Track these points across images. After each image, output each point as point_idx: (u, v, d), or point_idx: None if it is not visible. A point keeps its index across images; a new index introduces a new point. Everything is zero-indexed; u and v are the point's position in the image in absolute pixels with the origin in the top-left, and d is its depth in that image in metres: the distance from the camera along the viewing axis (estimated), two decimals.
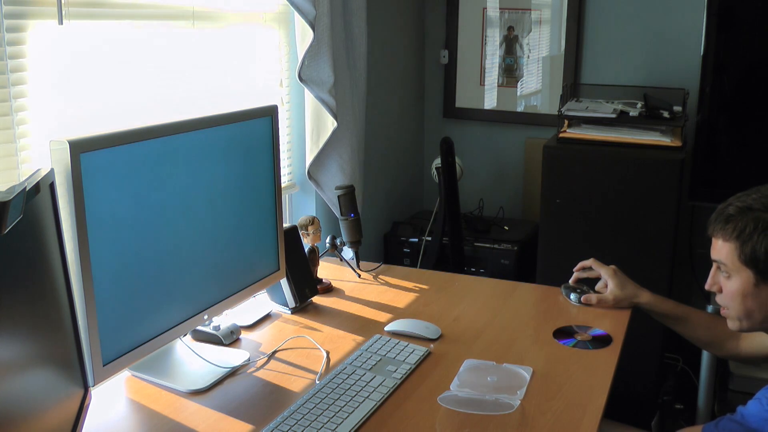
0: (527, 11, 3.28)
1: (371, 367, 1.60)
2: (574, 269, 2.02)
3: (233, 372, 1.61)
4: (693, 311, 1.89)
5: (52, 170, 1.22)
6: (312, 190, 2.60)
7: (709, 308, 2.62)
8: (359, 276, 2.19)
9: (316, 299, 2.02)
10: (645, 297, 1.90)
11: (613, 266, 1.95)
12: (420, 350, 1.68)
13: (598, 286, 1.98)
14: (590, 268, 1.99)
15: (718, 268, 1.58)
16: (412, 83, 3.44)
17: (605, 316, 1.88)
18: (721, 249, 1.54)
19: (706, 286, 1.63)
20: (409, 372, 1.59)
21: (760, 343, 1.76)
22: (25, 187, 1.01)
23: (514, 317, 1.93)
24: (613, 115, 2.72)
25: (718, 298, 1.62)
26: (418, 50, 3.45)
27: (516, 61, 3.34)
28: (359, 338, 1.78)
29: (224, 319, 1.79)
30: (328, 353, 1.70)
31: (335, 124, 2.42)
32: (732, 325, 1.61)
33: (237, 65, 2.22)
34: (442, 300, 2.02)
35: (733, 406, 2.53)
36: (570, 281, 2.01)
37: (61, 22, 1.58)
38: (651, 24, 3.09)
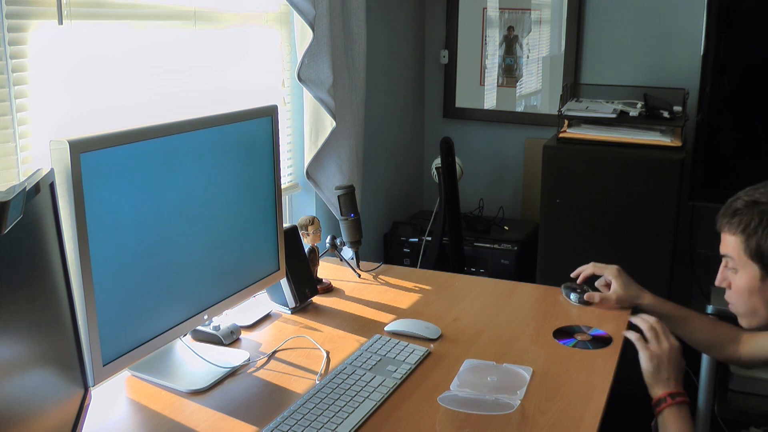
0: (527, 11, 3.28)
1: (371, 367, 1.60)
2: (573, 274, 2.00)
3: (233, 372, 1.61)
4: (694, 314, 1.88)
5: (52, 170, 1.22)
6: (312, 190, 2.60)
7: (709, 308, 2.62)
8: (359, 276, 2.19)
9: (316, 299, 2.02)
10: (647, 299, 1.89)
11: (616, 266, 1.94)
12: (420, 350, 1.68)
13: (598, 284, 1.97)
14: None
15: (727, 263, 1.57)
16: (412, 83, 3.44)
17: (605, 316, 1.88)
18: (728, 243, 1.54)
19: (716, 282, 1.62)
20: (409, 372, 1.59)
21: (761, 348, 1.75)
22: (25, 187, 1.01)
23: (514, 317, 1.93)
24: (613, 115, 2.72)
25: (727, 295, 1.61)
26: (418, 50, 3.45)
27: (516, 61, 3.34)
28: (359, 338, 1.78)
29: (224, 319, 1.79)
30: (328, 353, 1.70)
31: (334, 124, 2.42)
32: (741, 322, 1.60)
33: (238, 65, 2.22)
34: (442, 300, 2.02)
35: (734, 406, 2.53)
36: (578, 281, 2.00)
37: (61, 22, 1.58)
38: (651, 24, 3.09)
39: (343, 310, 1.96)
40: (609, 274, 1.93)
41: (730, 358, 1.85)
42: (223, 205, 1.64)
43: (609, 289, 1.94)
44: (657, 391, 1.59)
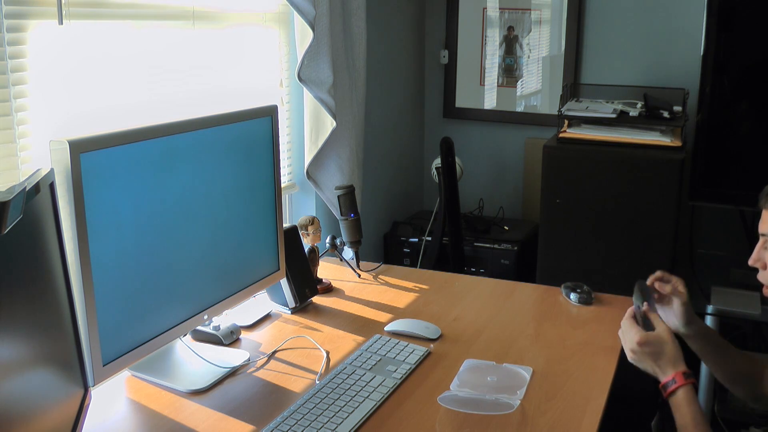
0: (527, 11, 3.28)
1: (371, 367, 1.60)
2: (649, 282, 1.66)
3: (233, 372, 1.61)
4: (731, 345, 1.67)
5: (52, 170, 1.22)
6: (312, 190, 2.60)
7: (710, 308, 2.62)
8: (359, 276, 2.19)
9: (316, 299, 2.02)
10: (694, 330, 1.63)
11: (687, 294, 1.63)
12: (420, 350, 1.68)
13: (659, 286, 1.64)
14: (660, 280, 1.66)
15: (765, 242, 1.49)
16: (412, 83, 3.44)
17: (605, 317, 1.88)
18: None
19: (750, 262, 1.52)
20: (409, 372, 1.59)
21: None
22: (25, 187, 1.01)
23: (514, 317, 1.93)
24: (613, 115, 2.72)
25: (761, 275, 1.52)
26: (418, 50, 3.45)
27: (516, 61, 3.34)
28: (359, 338, 1.78)
29: (224, 319, 1.79)
30: (328, 353, 1.70)
31: (334, 124, 2.42)
32: None
33: (237, 65, 2.22)
34: (442, 300, 2.02)
35: (733, 406, 2.53)
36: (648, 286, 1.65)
37: (61, 22, 1.58)
38: (651, 24, 3.09)
39: (343, 310, 1.96)
40: (678, 299, 1.62)
41: (762, 392, 1.63)
42: (222, 205, 1.64)
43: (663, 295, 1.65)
44: (667, 370, 1.43)
